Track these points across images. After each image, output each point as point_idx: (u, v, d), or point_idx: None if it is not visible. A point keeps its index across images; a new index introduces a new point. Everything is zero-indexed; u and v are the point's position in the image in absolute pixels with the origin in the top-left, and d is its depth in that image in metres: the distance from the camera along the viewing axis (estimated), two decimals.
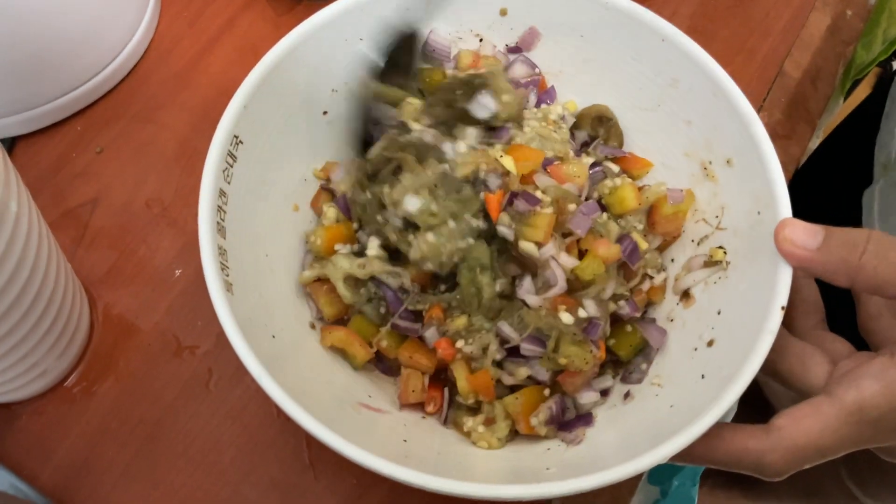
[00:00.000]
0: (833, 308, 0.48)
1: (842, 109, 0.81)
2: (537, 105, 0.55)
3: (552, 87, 0.57)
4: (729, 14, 0.68)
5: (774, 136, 0.63)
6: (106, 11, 0.59)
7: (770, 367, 0.43)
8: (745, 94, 0.49)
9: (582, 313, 0.47)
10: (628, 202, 0.50)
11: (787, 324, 0.44)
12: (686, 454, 0.40)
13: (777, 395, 1.11)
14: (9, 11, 0.53)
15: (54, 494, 0.50)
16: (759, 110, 0.64)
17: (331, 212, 0.52)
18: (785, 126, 0.64)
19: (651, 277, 0.51)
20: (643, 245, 0.50)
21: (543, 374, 0.48)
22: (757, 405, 0.82)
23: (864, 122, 0.75)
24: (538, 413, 0.47)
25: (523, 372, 0.48)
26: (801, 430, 0.39)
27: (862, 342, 0.46)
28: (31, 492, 0.49)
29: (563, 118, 0.54)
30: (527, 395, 0.48)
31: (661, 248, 0.53)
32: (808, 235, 0.41)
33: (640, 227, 0.51)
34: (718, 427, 0.40)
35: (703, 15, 0.68)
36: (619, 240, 0.49)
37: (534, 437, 0.48)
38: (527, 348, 0.47)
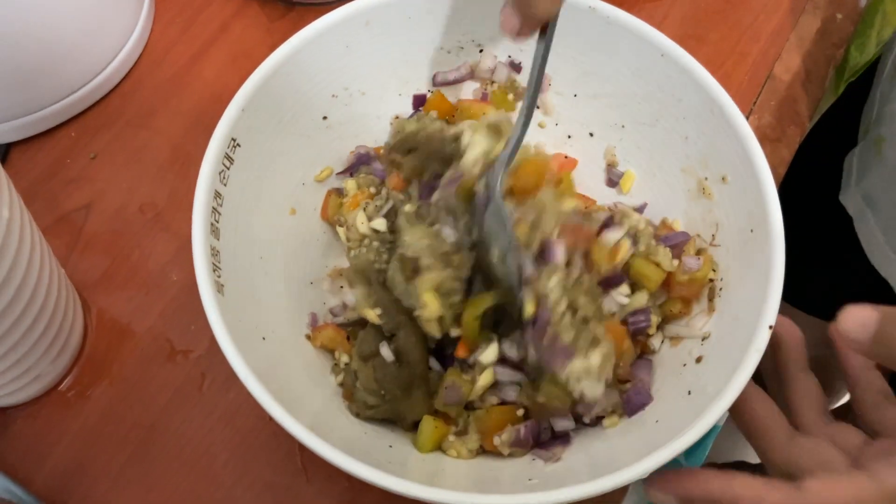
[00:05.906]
0: None
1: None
2: None
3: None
4: (719, 17, 0.69)
5: (764, 140, 0.64)
6: (99, 18, 0.59)
7: (782, 468, 0.42)
8: (735, 98, 0.49)
9: None
10: (653, 281, 0.49)
11: (794, 421, 0.44)
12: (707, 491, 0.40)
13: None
14: (2, 19, 0.53)
15: (49, 498, 0.50)
16: (748, 113, 0.65)
17: (350, 183, 0.54)
18: (775, 129, 0.64)
19: None
20: (655, 320, 0.50)
21: (513, 396, 0.47)
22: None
23: (845, 116, 0.74)
24: (502, 434, 0.46)
25: (492, 399, 0.47)
26: (835, 496, 0.38)
27: None
28: (26, 496, 0.49)
29: None
30: (495, 413, 0.47)
31: None
32: (858, 329, 0.38)
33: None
34: (750, 478, 0.39)
35: (693, 18, 0.68)
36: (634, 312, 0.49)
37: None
38: (501, 372, 0.47)
